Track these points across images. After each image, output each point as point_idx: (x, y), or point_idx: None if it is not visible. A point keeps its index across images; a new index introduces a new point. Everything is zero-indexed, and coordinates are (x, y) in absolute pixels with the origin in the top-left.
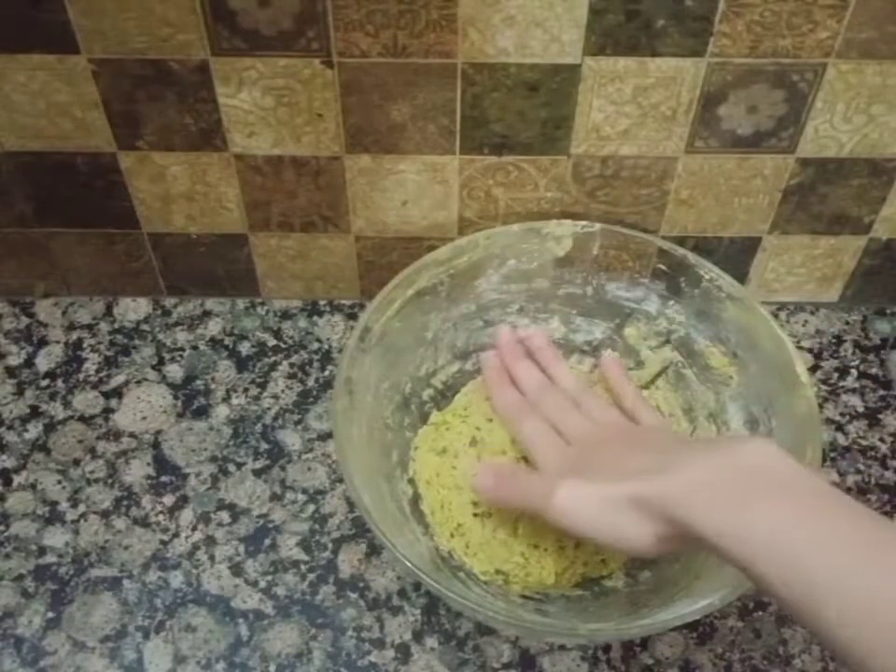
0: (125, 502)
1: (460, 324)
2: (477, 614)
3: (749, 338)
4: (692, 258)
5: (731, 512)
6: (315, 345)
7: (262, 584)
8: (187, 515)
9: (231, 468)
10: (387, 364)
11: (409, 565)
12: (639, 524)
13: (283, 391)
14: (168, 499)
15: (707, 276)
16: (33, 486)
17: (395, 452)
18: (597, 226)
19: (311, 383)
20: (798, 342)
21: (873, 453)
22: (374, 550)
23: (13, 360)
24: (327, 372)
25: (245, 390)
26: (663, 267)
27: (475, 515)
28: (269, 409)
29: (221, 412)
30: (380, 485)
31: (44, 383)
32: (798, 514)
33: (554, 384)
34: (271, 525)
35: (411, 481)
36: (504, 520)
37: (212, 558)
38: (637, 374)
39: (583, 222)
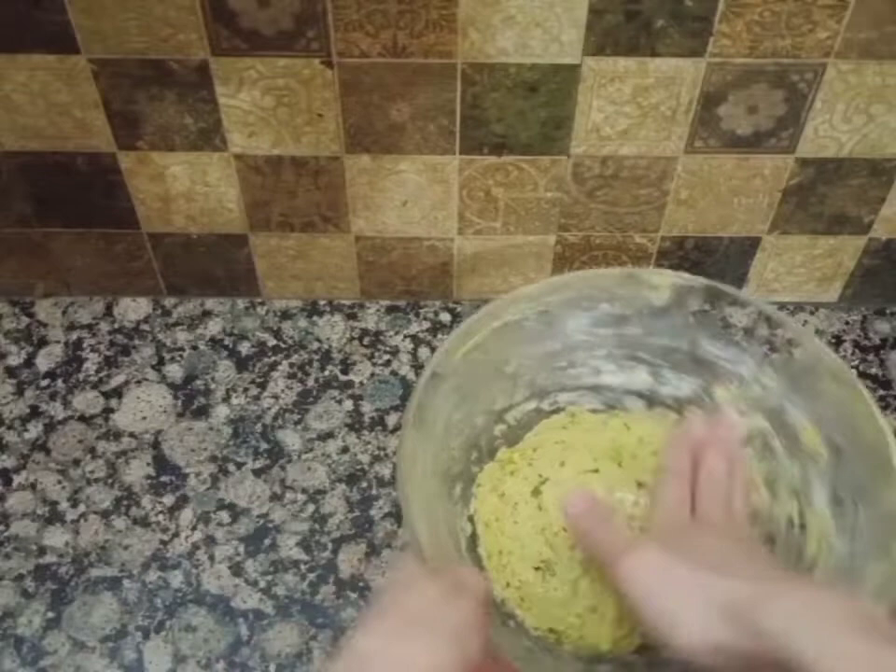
0: (125, 502)
1: (543, 362)
2: (526, 668)
3: (846, 419)
4: (795, 325)
5: (842, 640)
6: (315, 345)
7: (262, 584)
8: (187, 515)
9: (231, 468)
10: (463, 395)
11: None
12: (705, 622)
13: (283, 391)
14: (168, 499)
15: (810, 348)
16: (33, 486)
17: (458, 485)
18: (699, 280)
19: (311, 383)
20: None
21: None
22: (374, 550)
23: (13, 360)
24: (326, 372)
25: (245, 390)
26: (764, 332)
27: (536, 569)
28: (269, 409)
29: (221, 412)
30: (438, 518)
31: (44, 383)
32: None
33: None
34: (271, 525)
35: (471, 518)
36: (565, 578)
37: (212, 558)
38: None
39: (686, 275)
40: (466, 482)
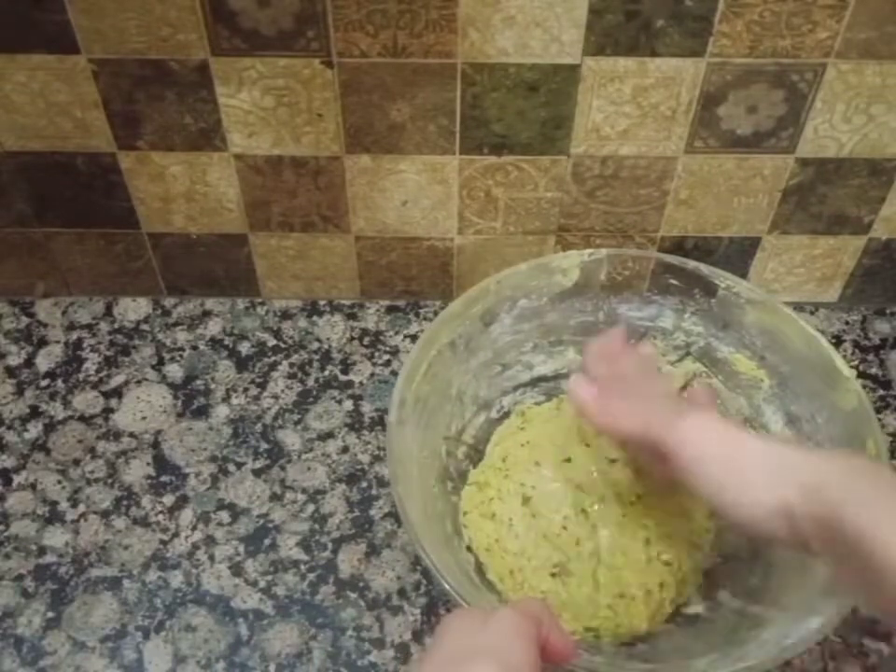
0: (125, 502)
1: (480, 373)
2: None
3: (776, 339)
4: (704, 268)
5: (886, 502)
6: (315, 345)
7: (262, 584)
8: (187, 515)
9: (231, 467)
10: (423, 430)
11: None
12: (773, 489)
13: (283, 391)
14: (168, 499)
15: (722, 285)
16: (33, 486)
17: (447, 522)
18: (604, 252)
19: (311, 383)
20: None
21: None
22: (374, 550)
23: (13, 360)
24: (326, 372)
25: (245, 390)
26: (674, 282)
27: (553, 576)
28: (269, 409)
29: (221, 412)
30: (447, 560)
31: (44, 383)
32: None
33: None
34: (271, 525)
35: (469, 549)
36: (583, 574)
37: (212, 558)
38: None
39: (589, 250)
40: (452, 515)
